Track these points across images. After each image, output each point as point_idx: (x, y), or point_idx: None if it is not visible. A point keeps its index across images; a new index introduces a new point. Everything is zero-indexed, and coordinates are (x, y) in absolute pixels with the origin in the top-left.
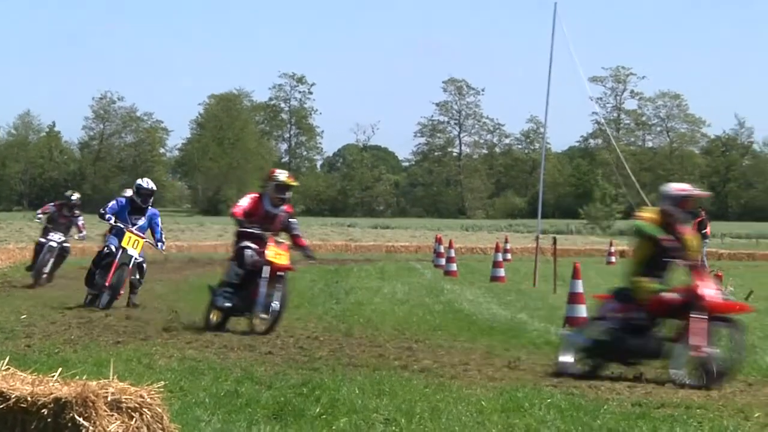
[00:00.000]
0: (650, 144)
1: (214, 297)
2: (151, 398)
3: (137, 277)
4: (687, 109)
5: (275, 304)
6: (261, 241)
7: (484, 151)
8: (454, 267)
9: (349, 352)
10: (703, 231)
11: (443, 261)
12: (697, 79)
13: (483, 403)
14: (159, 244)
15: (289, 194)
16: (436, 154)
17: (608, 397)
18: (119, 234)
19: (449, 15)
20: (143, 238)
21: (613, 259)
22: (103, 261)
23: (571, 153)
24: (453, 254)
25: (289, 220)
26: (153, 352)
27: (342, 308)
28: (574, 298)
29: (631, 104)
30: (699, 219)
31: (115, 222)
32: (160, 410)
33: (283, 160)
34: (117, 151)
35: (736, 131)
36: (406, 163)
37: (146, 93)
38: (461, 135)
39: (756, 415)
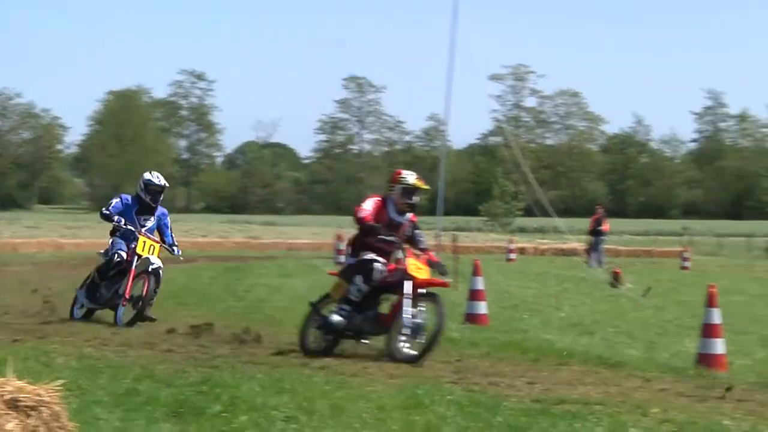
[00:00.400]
0: (550, 141)
1: (322, 316)
2: (49, 397)
3: (154, 286)
4: (586, 107)
5: (418, 322)
6: (387, 254)
7: (385, 149)
8: None
9: (249, 349)
10: (600, 228)
11: (344, 258)
12: (595, 78)
13: (383, 400)
14: (174, 248)
15: (417, 199)
16: (337, 151)
17: (508, 393)
18: (127, 238)
19: (350, 12)
20: (158, 242)
21: (513, 256)
22: (111, 270)
23: (471, 150)
24: None
25: (414, 231)
26: (51, 350)
27: (243, 306)
28: (474, 295)
29: (531, 102)
30: (596, 216)
31: (125, 224)
32: (58, 409)
33: (183, 157)
34: (14, 147)
35: (634, 129)
36: (307, 161)
37: (44, 89)
38: (362, 132)
39: (654, 410)
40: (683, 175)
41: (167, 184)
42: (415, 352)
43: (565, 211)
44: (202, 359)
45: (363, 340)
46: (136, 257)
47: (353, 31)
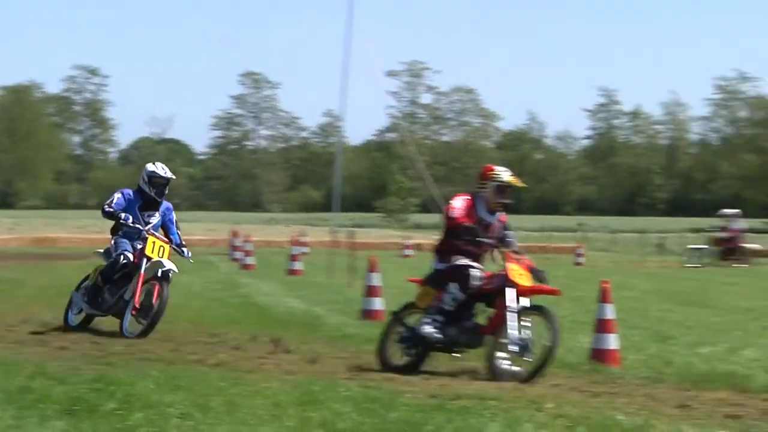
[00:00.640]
0: (446, 138)
1: (408, 327)
2: None
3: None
4: (481, 103)
5: (525, 337)
6: (477, 257)
7: (281, 145)
8: (250, 260)
9: (143, 346)
10: None
11: (240, 254)
12: (491, 75)
13: (279, 396)
14: (184, 249)
15: (510, 198)
16: (232, 147)
17: (404, 389)
18: (131, 237)
19: (246, 8)
20: (168, 242)
21: (409, 252)
22: (116, 273)
23: (367, 146)
24: (250, 247)
25: (505, 231)
26: None
27: None
28: (370, 291)
29: (426, 98)
30: None
31: (133, 223)
32: None
33: (76, 152)
34: None
35: (529, 126)
36: (203, 157)
37: None
38: (258, 128)
39: (548, 405)
40: (577, 171)
41: (173, 176)
42: (518, 368)
43: None
44: (97, 356)
45: (456, 354)
46: (144, 260)
47: (249, 27)
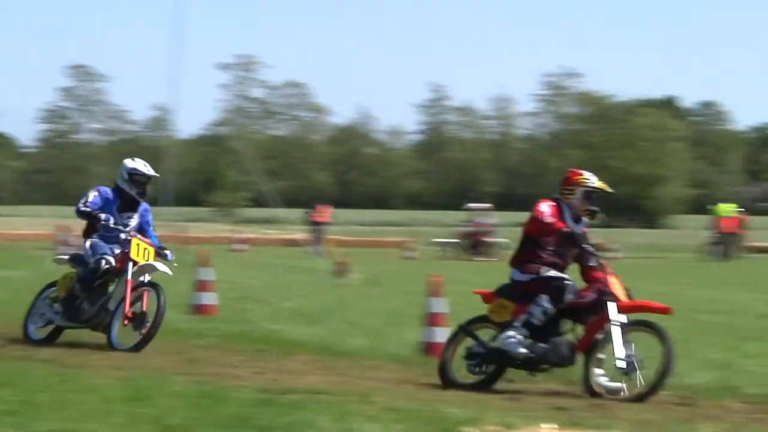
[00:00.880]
0: (278, 132)
1: (480, 342)
2: None
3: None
4: (311, 98)
5: (633, 357)
6: (562, 269)
7: (110, 138)
8: None
9: None
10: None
11: (66, 249)
12: (322, 69)
13: (108, 392)
14: (166, 252)
15: (597, 205)
16: (59, 140)
17: (235, 384)
18: (107, 239)
19: None
20: (151, 245)
21: (240, 246)
22: (97, 280)
23: (198, 140)
24: (76, 242)
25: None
26: None
27: None
28: (201, 286)
29: (258, 92)
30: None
31: (115, 225)
32: None
33: None
34: None
35: (360, 120)
36: (29, 150)
37: None
38: (86, 121)
39: (378, 398)
40: (407, 166)
41: (156, 174)
42: (618, 384)
43: (294, 202)
44: None
45: (538, 372)
46: (131, 264)
47: (76, 17)
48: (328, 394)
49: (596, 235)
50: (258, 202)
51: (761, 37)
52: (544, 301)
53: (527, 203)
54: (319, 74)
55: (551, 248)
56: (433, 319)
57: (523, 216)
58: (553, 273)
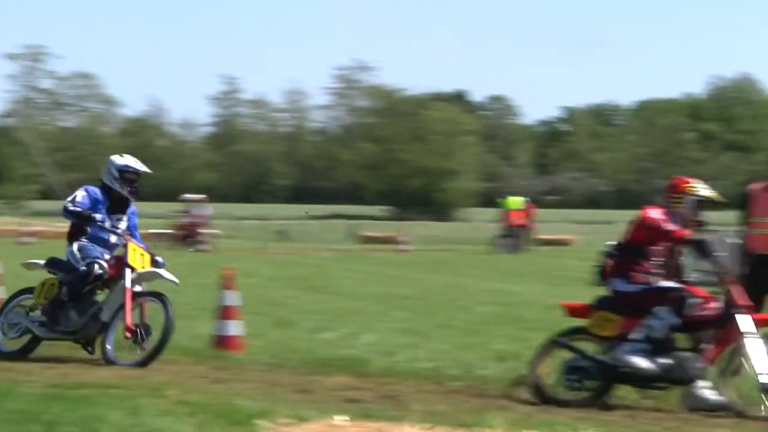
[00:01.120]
0: (67, 124)
1: (585, 355)
2: None
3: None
4: (101, 89)
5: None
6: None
7: None
8: None
9: None
10: None
11: None
12: (113, 61)
13: None
14: (158, 259)
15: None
16: None
17: (22, 379)
18: (97, 241)
19: None
20: (147, 250)
21: (28, 239)
22: (86, 287)
23: None
24: None
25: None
26: None
27: None
28: None
29: (47, 83)
30: None
31: (112, 227)
32: None
33: None
34: None
35: (151, 112)
36: None
37: None
38: None
39: (170, 392)
40: (200, 158)
41: (148, 170)
42: (721, 398)
43: None
44: None
45: (653, 389)
46: (128, 270)
47: None
48: (119, 389)
49: (385, 229)
50: (47, 195)
51: (546, 31)
52: (666, 313)
53: (321, 196)
54: (110, 65)
55: (656, 258)
56: (225, 312)
57: (319, 208)
58: (669, 283)
